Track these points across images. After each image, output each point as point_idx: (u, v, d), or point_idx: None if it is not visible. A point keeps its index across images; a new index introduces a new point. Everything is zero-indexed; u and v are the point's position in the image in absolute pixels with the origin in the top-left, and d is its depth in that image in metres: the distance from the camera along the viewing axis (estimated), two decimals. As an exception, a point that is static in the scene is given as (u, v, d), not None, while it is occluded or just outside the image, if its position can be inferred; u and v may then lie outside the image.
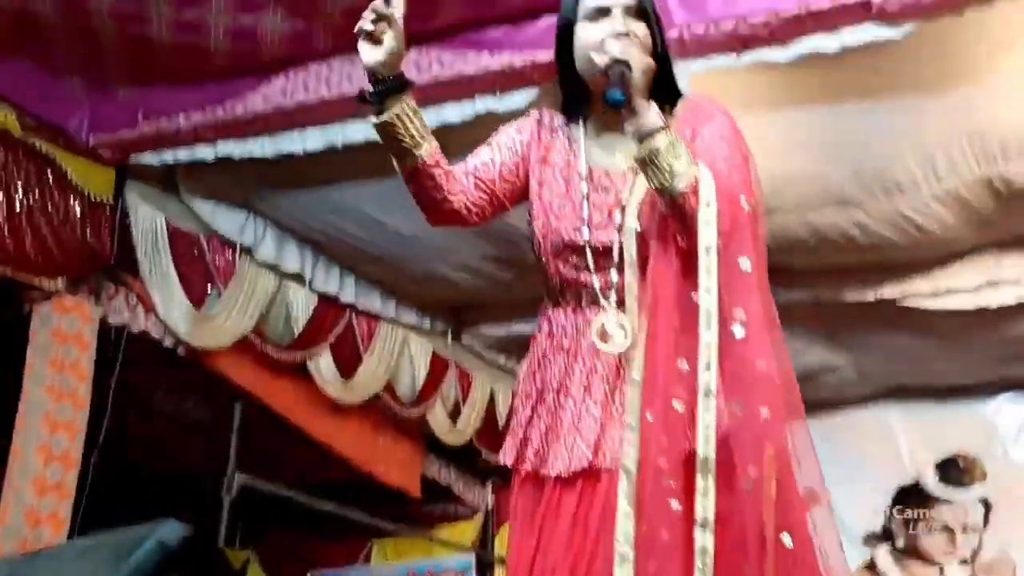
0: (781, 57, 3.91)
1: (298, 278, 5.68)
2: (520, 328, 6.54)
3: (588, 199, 1.98)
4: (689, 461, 1.73)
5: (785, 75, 4.18)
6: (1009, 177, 4.84)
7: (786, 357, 1.87)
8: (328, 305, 5.84)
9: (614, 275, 1.94)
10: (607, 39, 1.89)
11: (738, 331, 1.76)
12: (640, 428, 1.77)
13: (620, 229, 1.94)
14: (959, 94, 4.46)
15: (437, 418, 6.55)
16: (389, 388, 6.21)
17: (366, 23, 1.86)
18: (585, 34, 1.96)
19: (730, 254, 1.78)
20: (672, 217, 1.83)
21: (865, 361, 7.18)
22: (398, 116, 1.89)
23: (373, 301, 6.09)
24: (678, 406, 1.74)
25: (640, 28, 1.95)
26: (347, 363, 5.94)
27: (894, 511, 7.90)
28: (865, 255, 5.57)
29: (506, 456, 2.02)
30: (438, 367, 6.52)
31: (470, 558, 7.16)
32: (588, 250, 1.96)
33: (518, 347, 6.94)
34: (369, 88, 1.91)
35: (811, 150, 4.82)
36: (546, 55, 3.97)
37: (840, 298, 6.01)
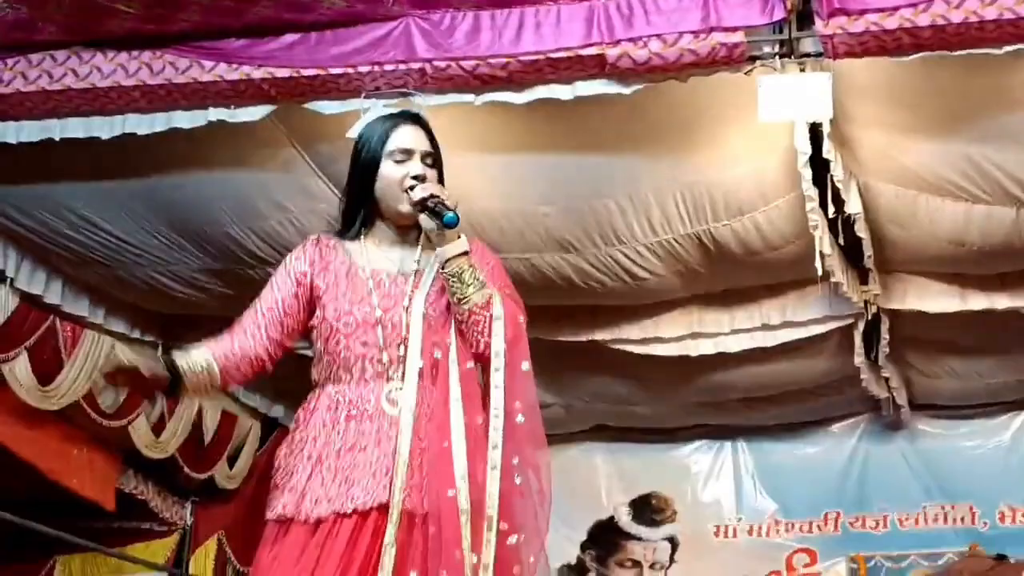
0: (517, 100, 4.02)
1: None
2: (235, 344, 6.39)
3: (374, 293, 2.34)
4: (456, 515, 2.17)
5: (520, 118, 4.29)
6: (716, 235, 5.14)
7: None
8: (30, 307, 5.50)
9: (400, 351, 2.30)
10: (410, 177, 2.34)
11: (520, 419, 2.22)
12: (419, 481, 2.21)
13: (406, 313, 2.33)
14: (679, 154, 4.71)
15: (139, 431, 6.27)
16: (90, 397, 5.91)
17: None
18: (391, 170, 2.37)
19: (513, 358, 2.24)
20: (464, 323, 2.28)
21: (574, 400, 7.42)
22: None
23: (81, 306, 5.77)
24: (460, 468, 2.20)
25: (432, 174, 2.39)
26: (46, 369, 5.61)
27: (587, 547, 8.19)
28: (581, 298, 5.77)
29: (285, 510, 2.26)
30: (145, 379, 6.25)
31: (161, 578, 6.94)
32: (380, 328, 2.31)
33: (231, 363, 6.79)
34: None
35: (537, 193, 4.96)
36: (285, 72, 3.94)
37: (554, 337, 6.19)
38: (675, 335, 6.06)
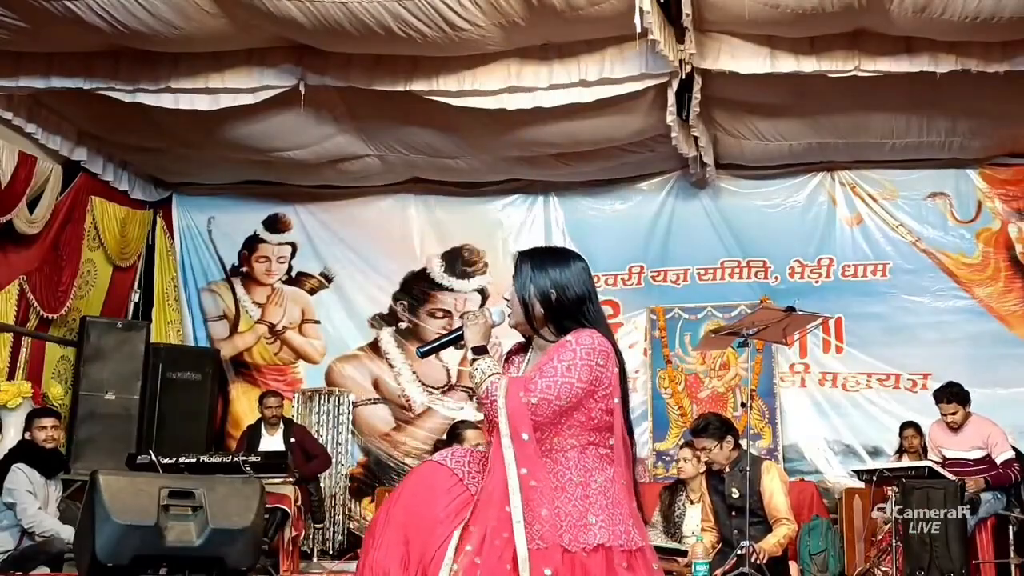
0: None
1: None
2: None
3: None
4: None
5: None
6: (543, -11, 5.06)
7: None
8: None
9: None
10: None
11: (532, 483, 2.69)
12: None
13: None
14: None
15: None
16: None
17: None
18: None
19: (514, 429, 2.70)
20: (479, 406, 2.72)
21: (388, 151, 7.38)
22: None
23: None
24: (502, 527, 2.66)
25: (501, 304, 2.88)
26: None
27: (399, 297, 8.33)
28: (400, 47, 5.64)
29: None
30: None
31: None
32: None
33: None
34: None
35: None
36: None
37: (371, 86, 6.08)
38: (492, 88, 6.03)
